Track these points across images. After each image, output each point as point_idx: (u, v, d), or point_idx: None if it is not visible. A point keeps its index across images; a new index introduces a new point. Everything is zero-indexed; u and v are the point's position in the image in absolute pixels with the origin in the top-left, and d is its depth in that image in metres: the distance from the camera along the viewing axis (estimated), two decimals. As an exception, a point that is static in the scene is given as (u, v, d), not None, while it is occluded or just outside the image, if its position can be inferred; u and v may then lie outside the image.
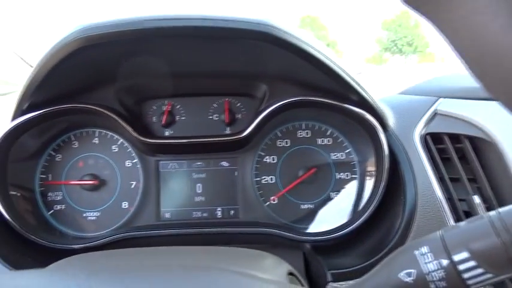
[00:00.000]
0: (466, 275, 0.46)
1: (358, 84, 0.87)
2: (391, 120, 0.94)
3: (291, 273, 0.64)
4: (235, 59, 0.91)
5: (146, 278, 0.40)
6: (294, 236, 0.92)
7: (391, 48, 41.91)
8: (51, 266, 0.61)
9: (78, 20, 0.79)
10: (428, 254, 0.48)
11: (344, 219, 0.95)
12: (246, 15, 0.77)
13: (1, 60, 1.39)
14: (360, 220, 0.88)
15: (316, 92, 0.94)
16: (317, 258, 0.88)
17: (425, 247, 0.49)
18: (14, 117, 0.90)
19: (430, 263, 0.48)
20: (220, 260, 0.60)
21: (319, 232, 0.94)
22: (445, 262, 0.47)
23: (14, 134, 0.90)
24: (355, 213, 0.94)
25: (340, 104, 0.91)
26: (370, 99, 0.89)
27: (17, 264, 0.83)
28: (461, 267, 0.46)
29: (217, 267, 0.50)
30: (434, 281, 0.47)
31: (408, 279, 0.48)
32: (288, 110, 0.95)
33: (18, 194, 0.95)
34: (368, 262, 0.80)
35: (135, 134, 0.94)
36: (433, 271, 0.47)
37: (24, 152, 0.96)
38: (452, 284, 0.47)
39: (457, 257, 0.47)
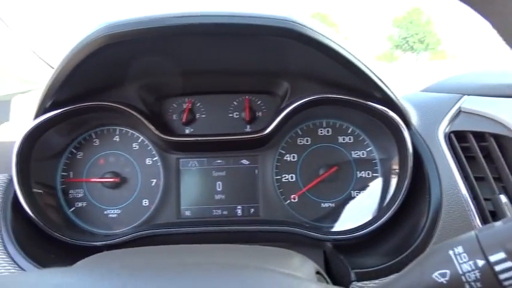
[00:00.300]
0: (502, 276, 0.45)
1: (382, 82, 0.86)
2: (414, 118, 0.93)
3: (317, 272, 0.63)
4: (257, 57, 0.91)
5: (185, 277, 0.40)
6: (316, 234, 0.91)
7: (402, 46, 41.55)
8: (81, 262, 0.61)
9: (101, 18, 0.79)
10: (463, 254, 0.47)
11: (366, 218, 0.94)
12: (270, 12, 0.77)
13: (20, 59, 1.40)
14: (383, 219, 0.87)
15: (338, 90, 0.93)
16: (339, 257, 0.87)
17: (459, 247, 0.48)
18: (37, 115, 0.90)
19: (465, 263, 0.47)
20: (252, 258, 0.60)
21: (341, 231, 0.93)
22: (480, 263, 0.46)
23: (36, 131, 0.91)
24: (378, 211, 0.93)
25: (364, 101, 0.90)
26: (394, 97, 0.88)
27: (41, 261, 0.84)
28: (498, 268, 0.45)
29: (254, 266, 0.50)
30: (469, 282, 0.46)
31: (442, 280, 0.48)
32: (309, 108, 0.94)
33: (41, 192, 0.96)
34: (393, 261, 0.79)
35: (156, 132, 0.95)
36: (468, 272, 0.46)
37: (46, 150, 0.97)
38: (488, 285, 0.46)
39: (493, 258, 0.46)
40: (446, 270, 0.48)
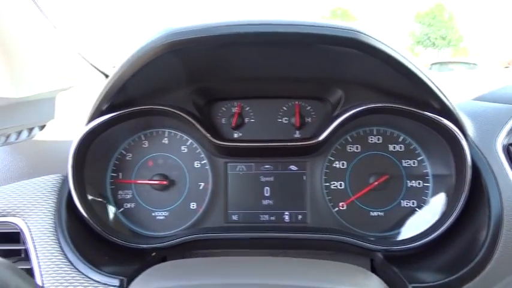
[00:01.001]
0: None
1: (441, 92, 0.84)
2: (470, 129, 0.91)
3: None
4: (312, 64, 0.90)
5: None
6: (368, 244, 0.90)
7: (424, 42, 40.84)
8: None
9: (163, 24, 0.79)
10: None
11: (417, 229, 0.92)
12: (333, 22, 0.76)
13: (64, 57, 1.42)
14: (439, 231, 0.86)
15: (392, 98, 0.92)
16: (392, 268, 0.86)
17: None
18: (93, 118, 0.91)
19: None
20: (332, 275, 0.59)
21: (394, 241, 0.92)
22: None
23: (92, 134, 0.92)
24: (434, 223, 0.91)
25: (421, 111, 0.88)
26: (451, 107, 0.86)
27: (95, 262, 0.85)
28: None
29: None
30: None
31: None
32: (363, 116, 0.93)
33: (92, 192, 0.97)
34: (453, 277, 0.78)
35: (208, 136, 0.95)
36: None
37: (98, 151, 0.97)
38: None
39: None
40: None
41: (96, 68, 1.60)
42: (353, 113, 0.91)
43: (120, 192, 1.02)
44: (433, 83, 0.83)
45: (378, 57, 0.77)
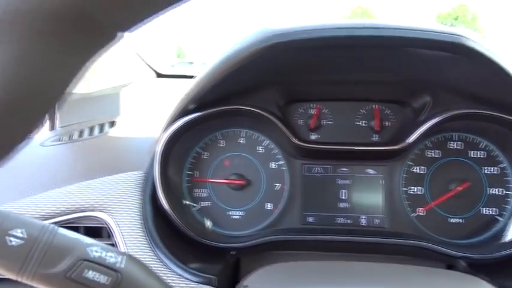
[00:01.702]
0: None
1: None
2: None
3: None
4: (402, 67, 0.89)
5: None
6: (453, 252, 0.89)
7: (445, 43, 40.10)
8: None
9: (258, 26, 0.80)
10: None
11: (501, 238, 0.91)
12: (434, 26, 0.75)
13: (119, 54, 1.44)
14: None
15: (478, 103, 0.91)
16: (480, 276, 0.85)
17: None
18: (179, 117, 0.92)
19: None
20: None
21: (478, 249, 0.90)
22: None
23: (178, 132, 0.93)
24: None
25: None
26: None
27: (183, 260, 0.86)
28: None
29: None
30: None
31: None
32: (451, 122, 0.92)
33: (173, 190, 0.98)
34: None
35: (291, 137, 0.95)
36: None
37: (178, 149, 0.98)
38: None
39: None
40: None
41: (149, 65, 1.62)
42: (442, 119, 0.90)
43: (196, 190, 1.03)
44: None
45: (481, 62, 0.75)
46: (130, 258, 0.53)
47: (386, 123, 1.02)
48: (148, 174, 0.94)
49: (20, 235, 0.48)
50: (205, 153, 1.04)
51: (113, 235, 0.88)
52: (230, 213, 1.03)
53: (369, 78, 0.95)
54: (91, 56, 0.30)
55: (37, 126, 0.30)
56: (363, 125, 1.02)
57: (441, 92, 0.92)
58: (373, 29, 0.74)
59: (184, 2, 0.30)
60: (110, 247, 0.54)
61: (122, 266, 0.51)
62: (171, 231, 0.92)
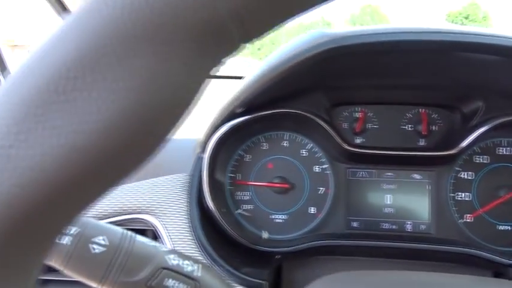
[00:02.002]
0: None
1: None
2: None
3: None
4: (454, 72, 0.88)
5: None
6: (505, 260, 0.87)
7: (456, 42, 39.79)
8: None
9: (316, 29, 0.79)
10: None
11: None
12: (493, 31, 0.74)
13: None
14: None
15: None
16: None
17: None
18: (226, 120, 0.91)
19: None
20: None
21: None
22: None
23: (225, 136, 0.92)
24: None
25: None
26: None
27: (232, 264, 0.85)
28: None
29: None
30: None
31: None
32: (505, 127, 0.90)
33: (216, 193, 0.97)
34: None
35: (339, 140, 0.94)
36: None
37: (223, 153, 0.97)
38: None
39: None
40: None
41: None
42: (496, 124, 0.88)
43: (238, 193, 1.02)
44: None
45: None
46: (205, 266, 0.53)
47: (434, 128, 1.00)
48: (193, 177, 0.94)
49: (103, 242, 0.47)
50: (248, 156, 1.03)
51: (160, 238, 0.87)
52: (273, 216, 1.02)
53: (418, 82, 0.94)
54: (214, 68, 0.29)
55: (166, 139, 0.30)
56: (409, 129, 1.01)
57: (494, 97, 0.90)
58: (440, 33, 0.72)
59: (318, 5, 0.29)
60: (185, 255, 0.53)
61: (199, 274, 0.50)
62: (216, 234, 0.91)
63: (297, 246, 0.93)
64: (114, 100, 0.25)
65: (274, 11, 0.27)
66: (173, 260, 0.50)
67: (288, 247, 0.94)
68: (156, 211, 0.89)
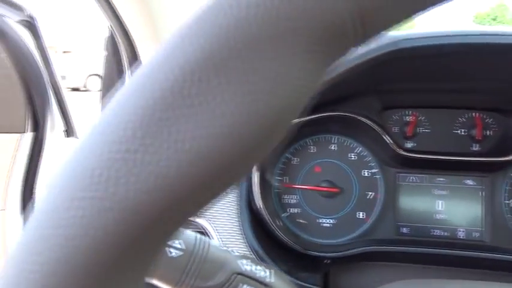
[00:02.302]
0: None
1: None
2: None
3: None
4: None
5: None
6: None
7: (483, 44, 38.93)
8: None
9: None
10: None
11: None
12: None
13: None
14: None
15: None
16: None
17: None
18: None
19: None
20: None
21: None
22: None
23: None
24: None
25: None
26: None
27: (285, 269, 0.85)
28: None
29: None
30: None
31: None
32: None
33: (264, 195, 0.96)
34: None
35: (392, 144, 0.92)
36: None
37: (271, 156, 0.97)
38: None
39: None
40: None
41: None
42: None
43: (285, 196, 1.02)
44: None
45: None
46: (277, 272, 0.52)
47: (488, 133, 0.97)
48: (243, 179, 0.94)
49: (179, 246, 0.47)
50: (295, 159, 1.02)
51: (212, 241, 0.87)
52: (320, 220, 1.01)
53: (473, 86, 0.91)
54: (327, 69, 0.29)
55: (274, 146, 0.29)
56: (462, 133, 0.98)
57: None
58: (500, 36, 0.70)
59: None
60: (257, 260, 0.53)
61: (272, 280, 0.50)
62: (266, 238, 0.91)
63: (345, 252, 0.92)
64: (238, 104, 0.24)
65: (395, 11, 0.27)
66: (246, 265, 0.49)
67: (336, 252, 0.92)
68: (206, 214, 0.89)
